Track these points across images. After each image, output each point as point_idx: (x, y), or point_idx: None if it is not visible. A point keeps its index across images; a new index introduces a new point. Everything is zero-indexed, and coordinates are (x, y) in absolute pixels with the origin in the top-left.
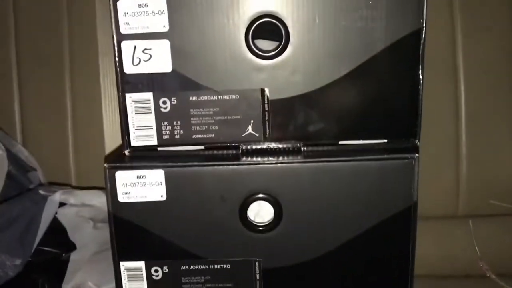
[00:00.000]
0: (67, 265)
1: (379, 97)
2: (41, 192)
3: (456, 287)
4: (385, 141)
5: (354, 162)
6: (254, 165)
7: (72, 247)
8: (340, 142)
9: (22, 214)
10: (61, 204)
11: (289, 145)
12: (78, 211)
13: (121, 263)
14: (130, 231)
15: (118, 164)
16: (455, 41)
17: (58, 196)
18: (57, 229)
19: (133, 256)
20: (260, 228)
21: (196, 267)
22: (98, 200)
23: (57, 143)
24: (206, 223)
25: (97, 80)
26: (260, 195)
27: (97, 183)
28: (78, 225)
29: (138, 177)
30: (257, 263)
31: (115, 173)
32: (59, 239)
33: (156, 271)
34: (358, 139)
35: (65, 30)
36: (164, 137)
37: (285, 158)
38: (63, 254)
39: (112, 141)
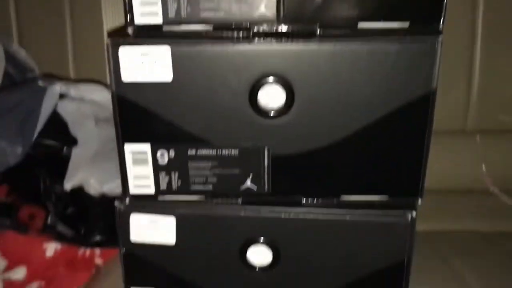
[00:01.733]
0: (68, 161)
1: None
2: (40, 83)
3: (459, 201)
4: (407, 24)
5: (373, 44)
6: (266, 46)
7: (73, 141)
8: (359, 25)
9: (22, 103)
10: (62, 97)
11: (304, 28)
12: (79, 106)
13: (126, 145)
14: (135, 113)
15: (121, 40)
16: None
17: (58, 87)
18: (58, 123)
19: (138, 138)
20: (271, 113)
21: (204, 152)
22: (99, 95)
23: (54, 35)
24: (215, 107)
25: None
26: (272, 78)
27: (97, 75)
28: (80, 121)
29: (143, 54)
30: (266, 150)
31: (118, 49)
32: (60, 133)
33: (162, 155)
34: (378, 20)
35: None
36: (169, 14)
37: (300, 39)
38: (65, 148)
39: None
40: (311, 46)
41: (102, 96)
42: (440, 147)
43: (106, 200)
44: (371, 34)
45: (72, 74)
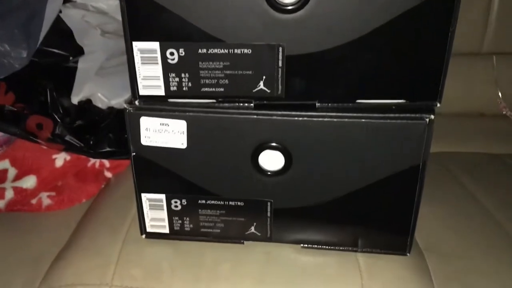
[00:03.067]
0: (74, 72)
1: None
2: None
3: (471, 124)
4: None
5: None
6: (267, 117)
7: (79, 51)
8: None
9: (24, 5)
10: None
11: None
12: (84, 14)
13: (134, 43)
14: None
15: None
16: None
17: None
18: (63, 31)
19: (146, 36)
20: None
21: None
22: (105, 2)
23: None
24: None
25: None
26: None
27: None
28: (85, 30)
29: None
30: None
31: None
32: (65, 41)
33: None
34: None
35: None
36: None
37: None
38: (71, 58)
39: None
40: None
41: (107, 3)
42: (455, 69)
43: (114, 112)
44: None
45: None
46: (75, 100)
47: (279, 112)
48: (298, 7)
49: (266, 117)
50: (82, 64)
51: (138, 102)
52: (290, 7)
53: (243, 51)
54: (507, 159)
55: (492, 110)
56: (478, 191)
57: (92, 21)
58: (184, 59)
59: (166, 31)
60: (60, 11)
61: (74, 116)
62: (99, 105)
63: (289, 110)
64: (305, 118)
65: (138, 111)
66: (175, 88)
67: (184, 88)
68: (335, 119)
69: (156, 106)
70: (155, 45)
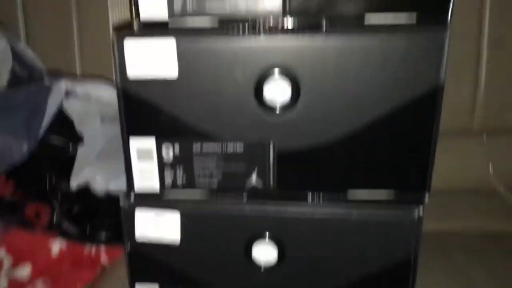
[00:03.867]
0: (74, 160)
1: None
2: (46, 80)
3: (465, 201)
4: (415, 15)
5: (380, 38)
6: (272, 41)
7: (79, 139)
8: (366, 17)
9: (27, 100)
10: (67, 94)
11: (310, 21)
12: (85, 104)
13: (131, 139)
14: (140, 107)
15: (127, 32)
16: None
17: (63, 84)
18: (64, 121)
19: (143, 132)
20: (276, 108)
21: (209, 148)
22: (106, 92)
23: (61, 32)
24: (220, 101)
25: None
26: (277, 72)
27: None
28: (86, 119)
29: (149, 47)
30: (271, 145)
31: (123, 42)
32: (66, 130)
33: (167, 150)
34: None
35: None
36: (175, 9)
37: (305, 33)
38: (71, 146)
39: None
40: (317, 41)
41: (108, 93)
42: (446, 146)
43: (112, 198)
44: (378, 27)
45: (78, 71)
46: (74, 184)
47: (272, 206)
48: (287, 108)
49: (258, 211)
50: (82, 150)
51: (134, 197)
52: (279, 109)
53: (236, 147)
54: (503, 237)
55: (487, 187)
56: (472, 270)
57: (92, 109)
58: (179, 155)
59: (162, 128)
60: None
61: (72, 202)
62: (97, 189)
63: (281, 204)
64: (297, 212)
65: (134, 206)
66: (169, 183)
67: (179, 183)
68: (326, 215)
69: (152, 200)
70: (151, 141)
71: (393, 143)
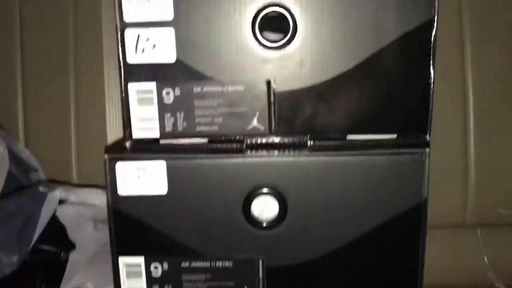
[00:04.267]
0: (65, 265)
1: (388, 90)
2: (40, 188)
3: None
4: (395, 136)
5: (362, 157)
6: (258, 159)
7: (71, 246)
8: (348, 137)
9: (20, 210)
10: (61, 202)
11: (296, 139)
12: (79, 210)
13: (120, 258)
14: (130, 226)
15: (118, 155)
16: (463, 46)
17: (58, 193)
18: (56, 228)
19: (132, 251)
20: (264, 224)
21: (198, 264)
22: (100, 199)
23: (59, 140)
24: (208, 219)
25: (101, 77)
26: (265, 190)
27: (99, 181)
28: (78, 225)
29: (139, 169)
30: (260, 261)
31: (115, 164)
32: (58, 237)
33: (156, 267)
34: (367, 133)
35: (70, 31)
36: (166, 129)
37: (291, 152)
38: (62, 253)
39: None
40: (302, 158)
41: (102, 199)
42: (440, 242)
43: None
44: (361, 146)
45: (75, 179)
46: None
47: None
48: (275, 224)
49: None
50: (73, 256)
51: None
52: (267, 225)
53: (225, 264)
54: None
55: (485, 282)
56: None
57: (86, 214)
58: (167, 272)
59: (151, 246)
60: (55, 210)
61: None
62: None
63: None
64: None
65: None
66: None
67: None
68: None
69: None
70: (140, 260)
71: (382, 257)
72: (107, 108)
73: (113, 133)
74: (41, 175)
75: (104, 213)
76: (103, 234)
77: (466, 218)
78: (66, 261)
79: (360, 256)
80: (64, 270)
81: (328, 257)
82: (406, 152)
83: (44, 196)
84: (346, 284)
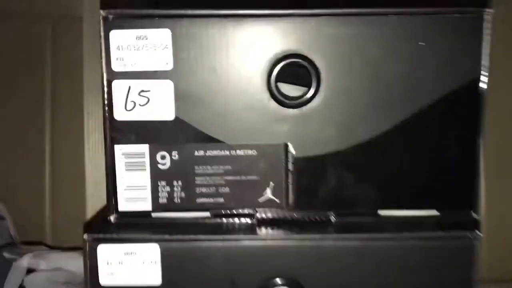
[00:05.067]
0: None
1: (428, 159)
2: (5, 255)
3: None
4: (436, 212)
5: (398, 241)
6: (273, 242)
7: None
8: (380, 212)
9: None
10: (30, 270)
11: (317, 216)
12: (50, 276)
13: None
14: None
15: (101, 236)
16: None
17: (26, 261)
18: None
19: None
20: None
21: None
22: (78, 264)
23: (33, 195)
24: None
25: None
26: (280, 281)
27: (77, 241)
28: None
29: (127, 253)
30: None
31: (96, 247)
32: None
33: None
34: (403, 208)
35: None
36: (160, 200)
37: (312, 233)
38: None
39: (96, 195)
40: (326, 241)
41: (78, 265)
42: None
43: None
44: (395, 223)
45: (49, 240)
46: None
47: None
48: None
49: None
50: None
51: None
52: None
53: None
54: None
55: None
56: None
57: (59, 279)
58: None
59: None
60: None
61: None
62: None
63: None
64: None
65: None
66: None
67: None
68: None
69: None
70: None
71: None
72: (86, 161)
73: (93, 190)
74: (10, 225)
75: (80, 278)
76: None
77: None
78: None
79: None
80: None
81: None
82: (452, 235)
83: (9, 264)
84: None
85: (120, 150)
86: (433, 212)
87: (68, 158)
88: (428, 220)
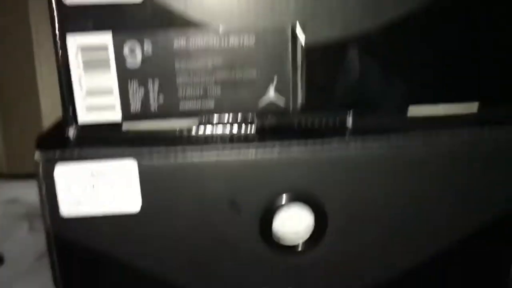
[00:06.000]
0: None
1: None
2: None
3: None
4: (475, 108)
5: (432, 142)
6: (278, 153)
7: None
8: (410, 110)
9: None
10: None
11: (332, 119)
12: (6, 208)
13: None
14: (83, 262)
15: (58, 154)
16: None
17: None
18: None
19: None
20: (292, 249)
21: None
22: (35, 193)
23: None
24: (207, 248)
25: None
26: (292, 198)
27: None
28: (8, 229)
29: (94, 174)
30: None
31: (53, 168)
32: None
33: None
34: (436, 102)
35: None
36: (132, 107)
37: (326, 140)
38: None
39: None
40: (343, 149)
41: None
42: None
43: None
44: (428, 124)
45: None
46: None
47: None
48: (308, 247)
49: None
50: (4, 271)
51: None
52: (297, 249)
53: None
54: None
55: None
56: None
57: (17, 213)
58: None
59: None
60: None
61: None
62: None
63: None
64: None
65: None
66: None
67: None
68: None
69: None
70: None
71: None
72: (37, 70)
73: (49, 100)
74: None
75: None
76: (43, 237)
77: None
78: None
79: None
80: None
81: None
82: (496, 132)
83: None
84: None
85: (74, 41)
86: (472, 109)
87: (17, 73)
88: (466, 118)
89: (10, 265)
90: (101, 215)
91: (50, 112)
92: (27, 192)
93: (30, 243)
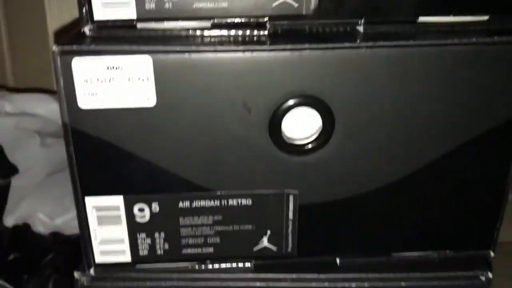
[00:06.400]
0: (7, 193)
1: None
2: None
3: None
4: (486, 17)
5: (442, 47)
6: (290, 54)
7: (12, 170)
8: (420, 19)
9: None
10: None
11: (343, 26)
12: (18, 122)
13: (87, 199)
14: (100, 154)
15: (76, 47)
16: None
17: None
18: None
19: (105, 189)
20: (301, 147)
21: (202, 203)
22: (45, 107)
23: None
24: (219, 142)
25: None
26: (302, 99)
27: (43, 83)
28: (20, 141)
29: (110, 68)
30: (291, 197)
31: (71, 60)
32: None
33: (141, 210)
34: (447, 14)
35: None
36: (147, 6)
37: (338, 43)
38: (1, 180)
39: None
40: (355, 50)
41: (48, 108)
42: None
43: (60, 240)
44: (439, 31)
45: (10, 82)
46: (9, 222)
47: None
48: (316, 146)
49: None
50: (17, 181)
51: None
52: (304, 148)
53: (241, 202)
54: None
55: None
56: None
57: (29, 127)
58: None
59: (132, 182)
60: None
61: (7, 246)
62: (40, 229)
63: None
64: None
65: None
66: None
67: (159, 252)
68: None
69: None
70: (118, 200)
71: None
72: None
73: (56, 19)
74: None
75: (52, 125)
76: (54, 151)
77: None
78: (7, 188)
79: (426, 189)
80: (6, 199)
81: (384, 191)
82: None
83: None
84: (402, 227)
85: None
86: (483, 18)
87: None
88: (476, 25)
89: (24, 175)
90: (117, 108)
91: (56, 26)
92: (36, 105)
93: (42, 157)
